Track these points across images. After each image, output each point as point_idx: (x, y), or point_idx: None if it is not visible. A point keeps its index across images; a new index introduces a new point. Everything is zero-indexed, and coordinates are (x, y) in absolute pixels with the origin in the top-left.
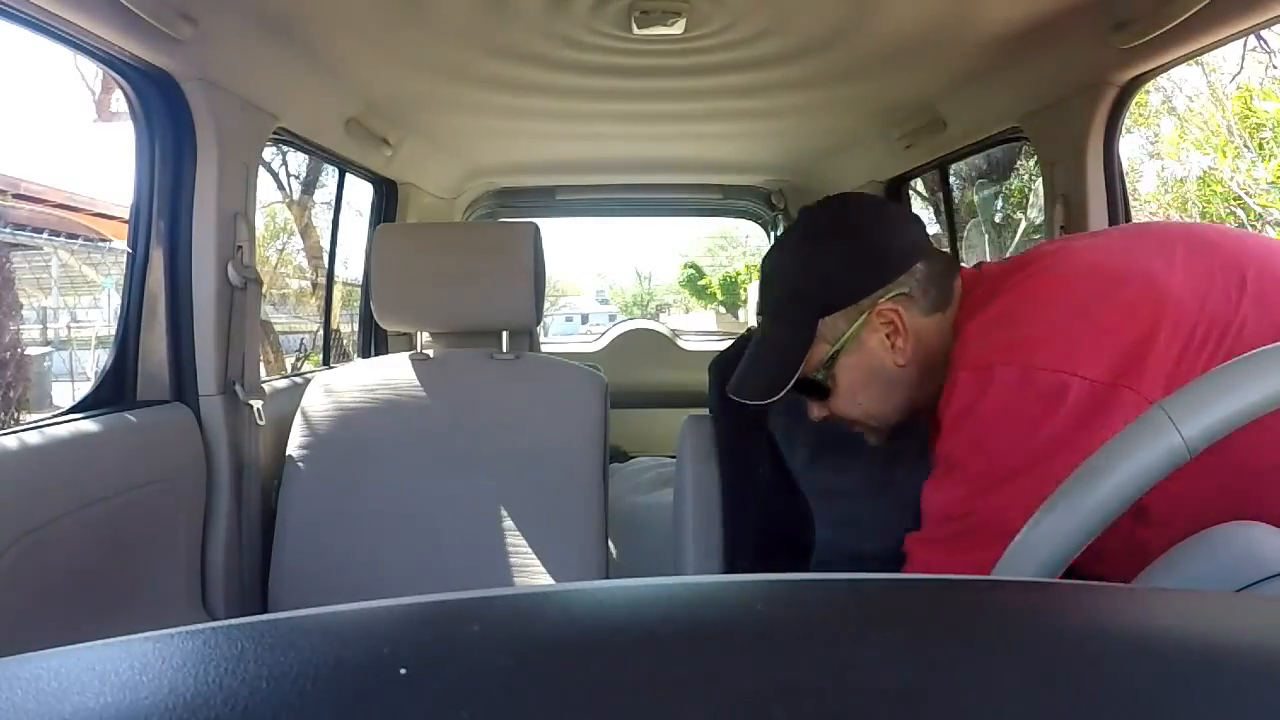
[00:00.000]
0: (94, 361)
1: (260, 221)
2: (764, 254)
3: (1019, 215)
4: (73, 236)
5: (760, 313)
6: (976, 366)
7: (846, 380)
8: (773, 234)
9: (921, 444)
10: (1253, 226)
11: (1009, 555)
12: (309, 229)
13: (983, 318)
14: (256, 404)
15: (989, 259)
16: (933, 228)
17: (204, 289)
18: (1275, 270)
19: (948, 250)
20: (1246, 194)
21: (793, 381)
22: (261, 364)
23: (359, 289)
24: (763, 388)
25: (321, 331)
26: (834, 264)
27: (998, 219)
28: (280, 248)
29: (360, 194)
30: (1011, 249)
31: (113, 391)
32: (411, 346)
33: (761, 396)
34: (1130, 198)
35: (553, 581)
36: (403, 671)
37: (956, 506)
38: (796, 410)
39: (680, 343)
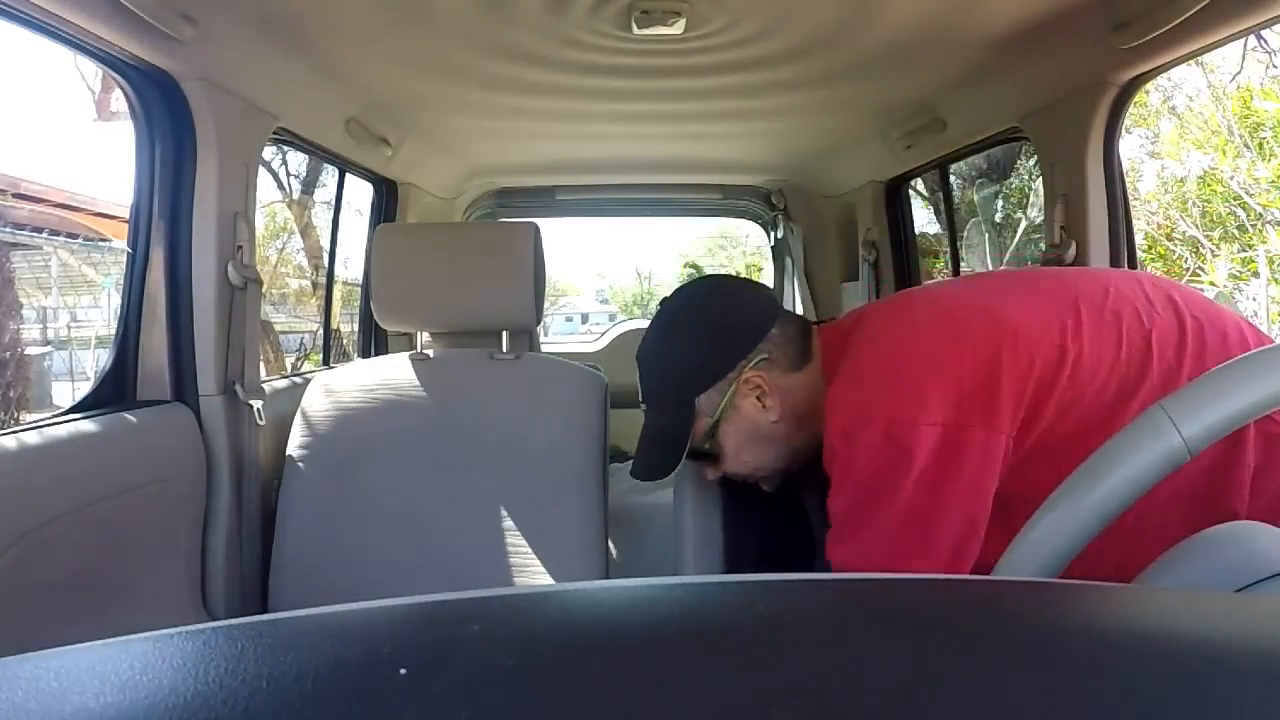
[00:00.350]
0: (94, 361)
1: (260, 221)
2: (639, 348)
3: (1019, 215)
4: (73, 236)
5: (643, 400)
6: (844, 432)
7: (730, 444)
8: (773, 234)
9: None
10: (1253, 226)
11: (1009, 555)
12: (309, 229)
13: (841, 379)
14: (256, 404)
15: (989, 259)
16: (933, 228)
17: (204, 289)
18: (1101, 301)
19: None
20: (1246, 193)
21: (683, 457)
22: (261, 364)
23: (359, 289)
24: (659, 468)
25: (321, 331)
26: (698, 347)
27: (998, 219)
28: (280, 248)
29: (360, 194)
30: (1011, 249)
31: (113, 391)
32: (411, 346)
33: (660, 475)
34: (1130, 198)
35: (553, 581)
36: (403, 671)
37: (856, 561)
38: None
39: None
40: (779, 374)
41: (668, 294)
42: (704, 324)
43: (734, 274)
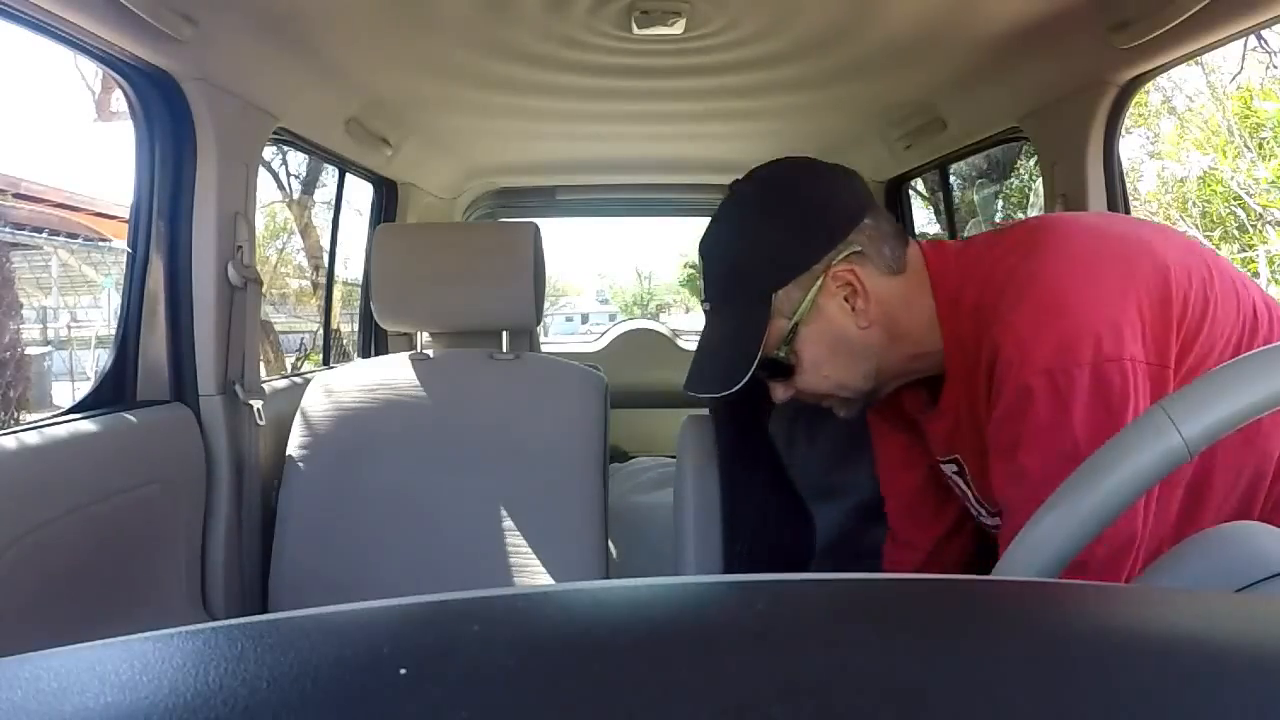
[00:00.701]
0: (94, 361)
1: (260, 221)
2: (704, 237)
3: (1019, 215)
4: (73, 236)
5: (706, 299)
6: (1049, 370)
7: (810, 353)
8: None
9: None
10: (1253, 226)
11: (1009, 555)
12: (309, 229)
13: (1018, 307)
14: (256, 404)
15: None
16: (933, 228)
17: (204, 289)
18: (1224, 266)
19: None
20: (1246, 194)
21: (754, 365)
22: (261, 364)
23: (359, 289)
24: (722, 378)
25: (321, 331)
26: (779, 233)
27: (998, 219)
28: (280, 248)
29: (360, 194)
30: None
31: (113, 391)
32: (411, 346)
33: (722, 388)
34: (1130, 198)
35: (553, 581)
36: (403, 671)
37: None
38: (797, 413)
39: (680, 343)
40: (873, 272)
41: (740, 178)
42: (786, 204)
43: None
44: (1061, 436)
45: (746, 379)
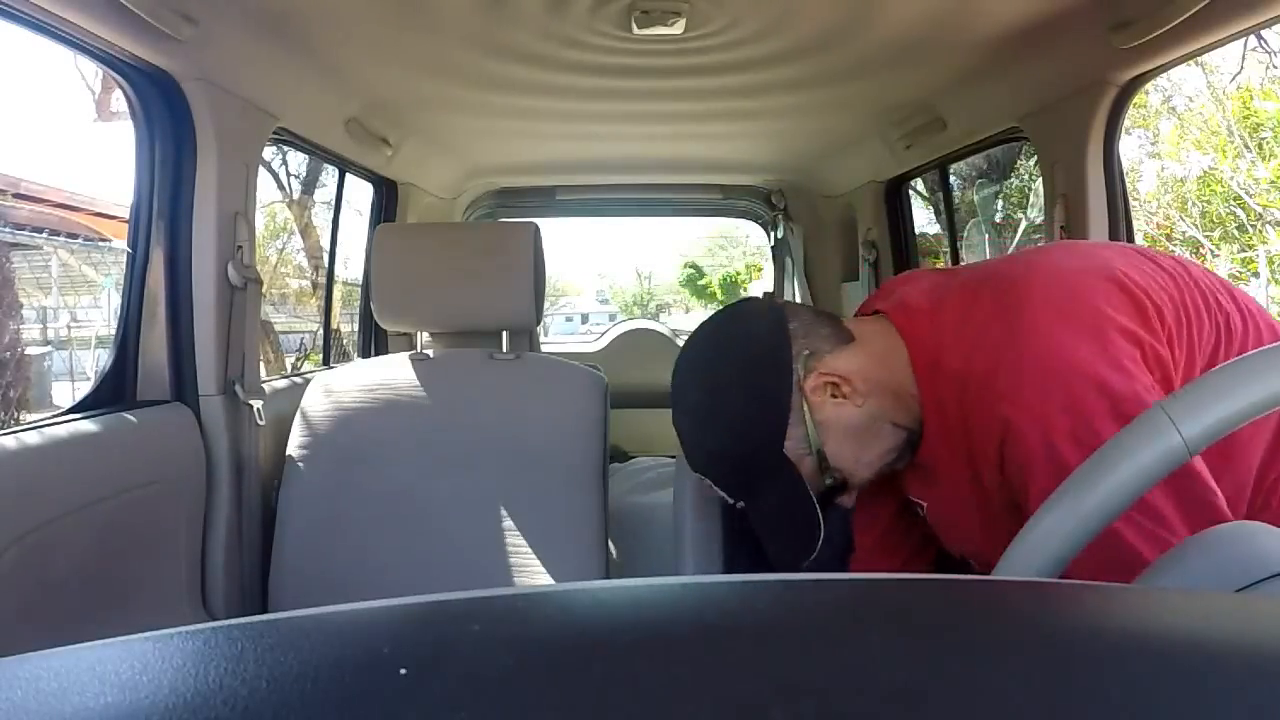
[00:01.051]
0: (94, 361)
1: (260, 221)
2: (687, 454)
3: (1019, 215)
4: (73, 236)
5: (734, 498)
6: (1074, 434)
7: (845, 460)
8: (773, 234)
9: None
10: (1252, 226)
11: (1009, 555)
12: (309, 229)
13: (1026, 382)
14: (256, 404)
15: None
16: (933, 228)
17: (204, 289)
18: (1199, 277)
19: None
20: (1246, 194)
21: (820, 512)
22: (261, 364)
23: (359, 289)
24: (803, 549)
25: (321, 331)
26: (743, 405)
27: (998, 219)
28: (280, 248)
29: (360, 194)
30: (1011, 249)
31: (113, 391)
32: (411, 346)
33: (810, 552)
34: (1130, 198)
35: (553, 581)
36: (403, 671)
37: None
38: None
39: (680, 343)
40: (832, 359)
41: (671, 379)
42: (729, 375)
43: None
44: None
45: (822, 531)
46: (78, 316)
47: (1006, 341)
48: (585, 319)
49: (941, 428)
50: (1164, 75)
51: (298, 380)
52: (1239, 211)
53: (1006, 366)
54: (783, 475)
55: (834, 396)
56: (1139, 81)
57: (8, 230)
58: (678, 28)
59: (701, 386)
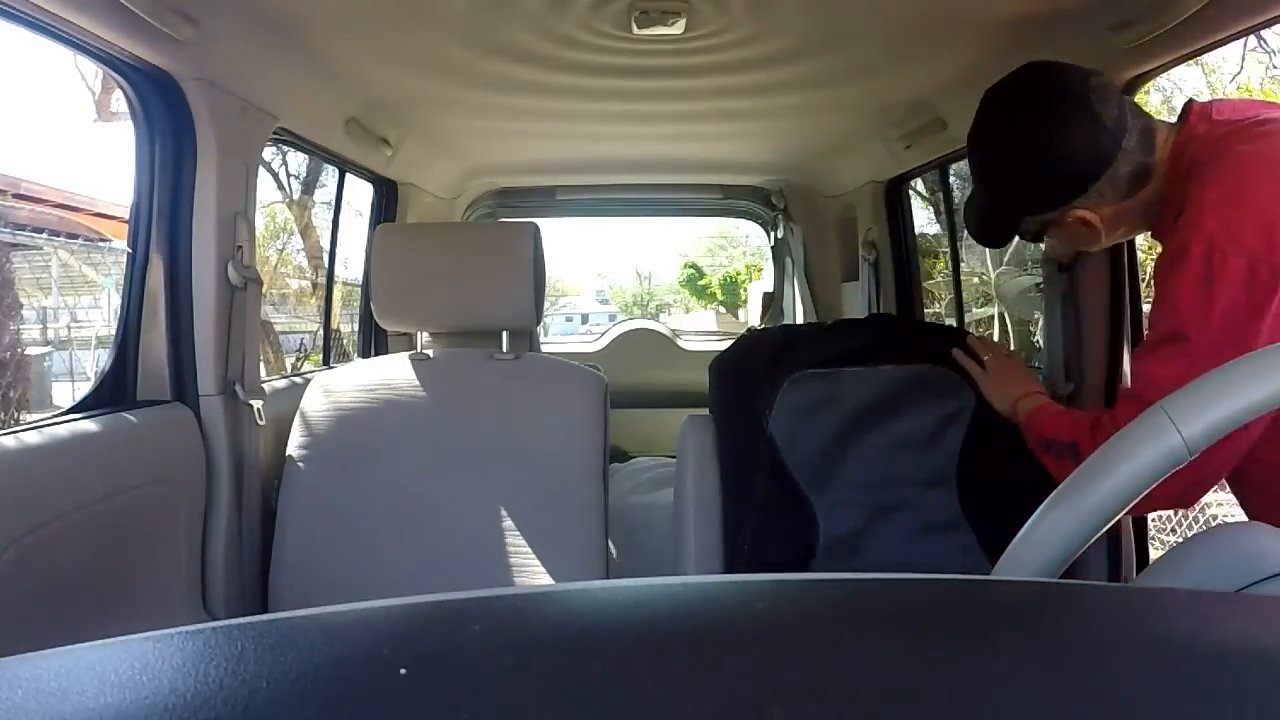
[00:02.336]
0: (94, 361)
1: (260, 221)
2: (972, 127)
3: None
4: (73, 236)
5: (973, 173)
6: (1209, 240)
7: (1053, 245)
8: (773, 234)
9: (924, 438)
10: None
11: (1009, 555)
12: (309, 229)
13: (1215, 182)
14: (256, 404)
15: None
16: (933, 228)
17: (204, 289)
18: None
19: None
20: None
21: (1011, 239)
22: (261, 364)
23: (359, 289)
24: (985, 238)
25: (321, 331)
26: (1029, 176)
27: None
28: (280, 248)
29: (360, 194)
30: (1011, 249)
31: (113, 391)
32: (411, 346)
33: (988, 245)
34: None
35: (553, 581)
36: (403, 671)
37: (1180, 369)
38: (798, 413)
39: (680, 343)
40: (1108, 206)
41: (1013, 79)
42: (1029, 162)
43: (1078, 80)
44: (1197, 305)
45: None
46: (78, 316)
47: (1230, 153)
48: (585, 319)
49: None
50: (1164, 75)
51: (298, 380)
52: None
53: (1217, 168)
54: (1007, 216)
55: (1084, 226)
56: (1139, 81)
57: (8, 230)
58: (678, 28)
59: (1035, 123)
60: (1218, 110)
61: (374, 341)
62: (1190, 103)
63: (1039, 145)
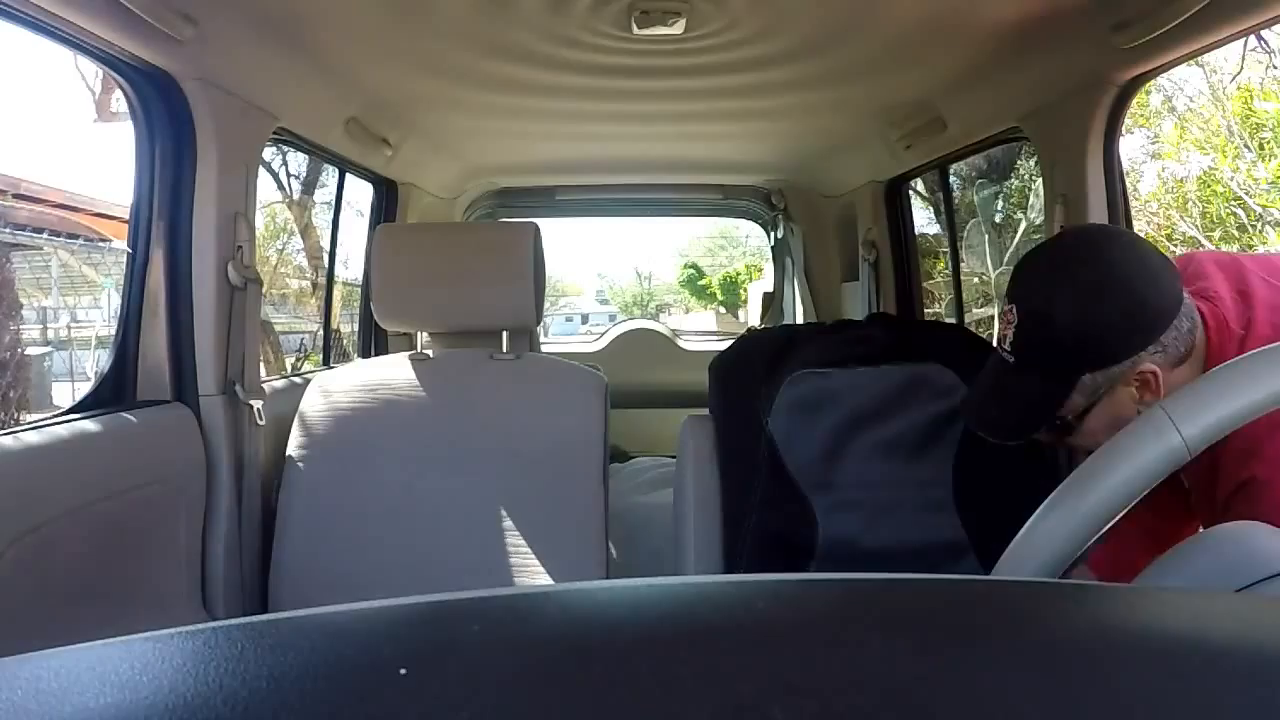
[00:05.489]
0: (94, 361)
1: (260, 221)
2: (1029, 285)
3: (1019, 215)
4: (73, 236)
5: (1012, 349)
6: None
7: (1092, 428)
8: (773, 234)
9: (922, 437)
10: (1252, 226)
11: (1009, 555)
12: (309, 229)
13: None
14: (256, 404)
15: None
16: (933, 228)
17: (204, 289)
18: None
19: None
20: (1247, 194)
21: (1039, 428)
22: (261, 364)
23: (359, 289)
24: (1009, 428)
25: (321, 331)
26: (1110, 323)
27: (998, 219)
28: (280, 248)
29: (360, 194)
30: (1011, 249)
31: (113, 391)
32: (411, 346)
33: (1009, 438)
34: (1130, 198)
35: (553, 581)
36: (403, 671)
37: None
38: (798, 414)
39: (680, 343)
40: (1167, 368)
41: (1072, 228)
42: (1122, 294)
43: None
44: None
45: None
46: (78, 316)
47: None
48: (585, 319)
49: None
50: (1164, 75)
51: (297, 380)
52: (1239, 211)
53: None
54: (1057, 386)
55: (1138, 391)
56: (1139, 81)
57: (8, 230)
58: (678, 28)
59: (1105, 269)
60: (1229, 317)
61: (374, 341)
62: (1201, 314)
63: (1125, 279)
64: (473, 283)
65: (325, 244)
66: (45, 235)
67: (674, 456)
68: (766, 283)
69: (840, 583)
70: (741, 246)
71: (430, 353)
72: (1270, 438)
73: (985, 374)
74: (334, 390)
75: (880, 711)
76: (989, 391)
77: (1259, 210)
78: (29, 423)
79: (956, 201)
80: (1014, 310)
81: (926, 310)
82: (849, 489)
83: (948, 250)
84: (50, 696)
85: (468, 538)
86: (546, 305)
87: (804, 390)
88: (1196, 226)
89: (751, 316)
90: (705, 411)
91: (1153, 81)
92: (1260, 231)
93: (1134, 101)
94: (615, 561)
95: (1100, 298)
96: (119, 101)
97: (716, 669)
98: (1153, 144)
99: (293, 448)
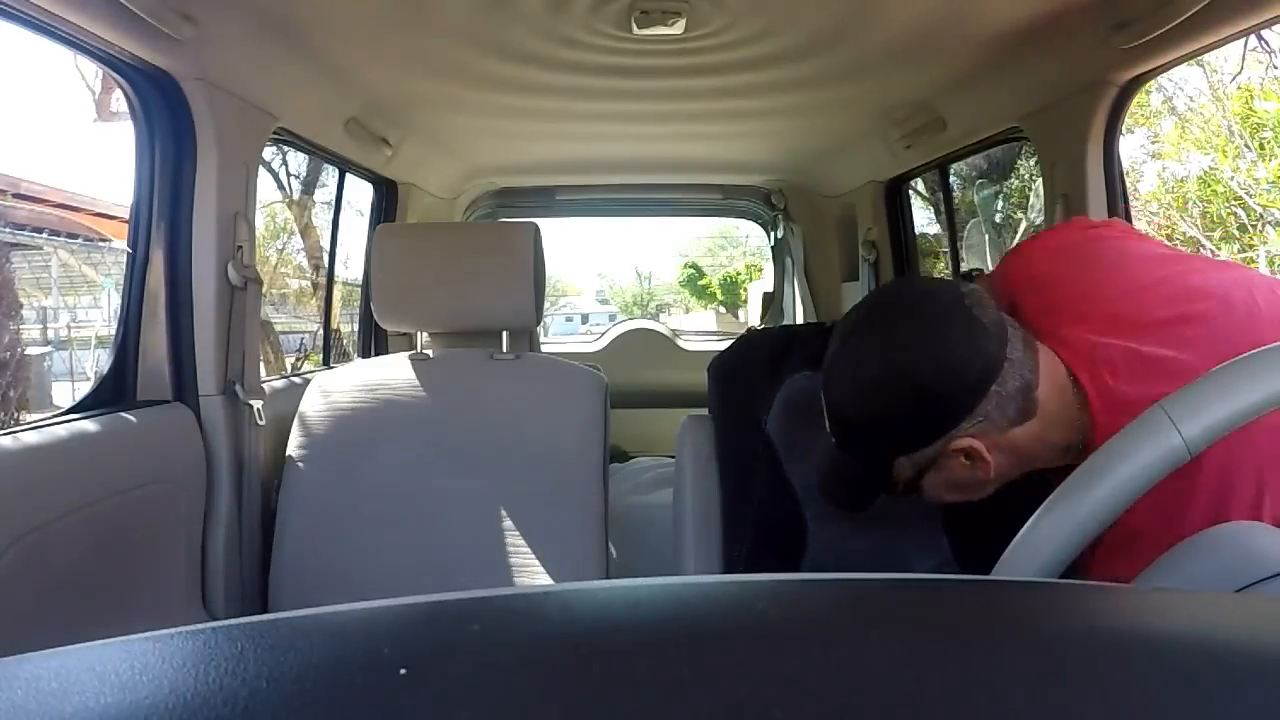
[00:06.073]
0: (94, 361)
1: (260, 221)
2: (828, 373)
3: (1019, 215)
4: (73, 236)
5: (830, 431)
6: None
7: (933, 493)
8: (773, 234)
9: None
10: (1252, 227)
11: (1009, 555)
12: (309, 229)
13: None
14: (256, 404)
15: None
16: (933, 228)
17: (204, 289)
18: None
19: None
20: (1247, 194)
21: (877, 497)
22: (261, 364)
23: (359, 289)
24: (849, 502)
25: (321, 331)
26: (894, 416)
27: (998, 219)
28: (280, 248)
29: (360, 194)
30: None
31: (113, 391)
32: (411, 346)
33: (853, 509)
34: (1130, 198)
35: (553, 581)
36: (403, 671)
37: None
38: (796, 415)
39: (680, 343)
40: (995, 434)
41: (868, 297)
42: (903, 385)
43: (948, 288)
44: None
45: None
46: (78, 316)
47: None
48: (585, 319)
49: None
50: (1164, 75)
51: (297, 380)
52: (1239, 212)
53: None
54: (872, 465)
55: (966, 460)
56: (1139, 81)
57: (8, 230)
58: (678, 28)
59: (891, 356)
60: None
61: (374, 341)
62: (1079, 380)
63: (915, 360)
64: (473, 283)
65: (325, 244)
66: (45, 235)
67: (674, 456)
68: (766, 283)
69: (840, 583)
70: (741, 246)
71: (430, 353)
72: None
73: (823, 454)
74: (334, 390)
75: (880, 711)
76: (828, 470)
77: (1259, 210)
78: (29, 423)
79: (956, 201)
80: (824, 394)
81: None
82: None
83: (948, 250)
84: (50, 696)
85: (468, 537)
86: (546, 305)
87: (802, 393)
88: (1197, 226)
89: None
90: (705, 411)
91: (1153, 81)
92: (1260, 231)
93: (1134, 101)
94: (615, 561)
95: (884, 392)
96: (119, 101)
97: (716, 669)
98: (1153, 144)
99: (293, 448)
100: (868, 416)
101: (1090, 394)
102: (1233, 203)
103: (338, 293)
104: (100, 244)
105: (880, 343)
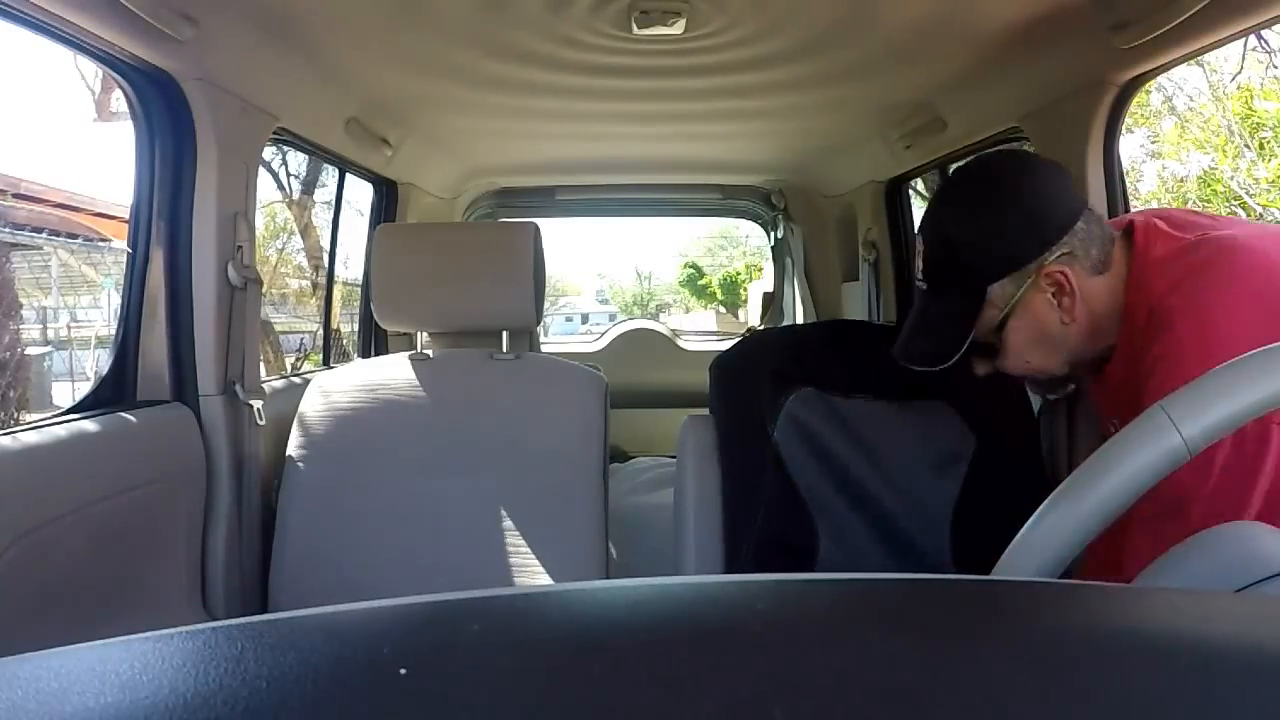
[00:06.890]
0: (94, 361)
1: (260, 221)
2: (929, 215)
3: None
4: (73, 236)
5: (922, 278)
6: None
7: (1015, 341)
8: (773, 234)
9: (923, 476)
10: None
11: (1009, 555)
12: (309, 229)
13: (1175, 339)
14: (256, 404)
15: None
16: None
17: (204, 289)
18: None
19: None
20: (1247, 194)
21: (964, 348)
22: (261, 364)
23: (359, 289)
24: (934, 354)
25: (321, 331)
26: (1000, 230)
27: None
28: (280, 248)
29: (360, 194)
30: None
31: (113, 391)
32: (411, 346)
33: (934, 363)
34: (1130, 198)
35: (553, 581)
36: (403, 671)
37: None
38: (803, 430)
39: (680, 343)
40: (1082, 274)
41: (962, 164)
42: (1009, 202)
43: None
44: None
45: (955, 358)
46: (78, 316)
47: (1189, 302)
48: (585, 319)
49: (1130, 348)
50: (1164, 75)
51: (297, 380)
52: (1239, 211)
53: (1178, 318)
54: (968, 301)
55: (1054, 297)
56: (1139, 81)
57: (8, 230)
58: (678, 28)
59: (993, 185)
60: (1162, 237)
61: (374, 341)
62: (1132, 224)
63: (1013, 187)
64: (473, 283)
65: (325, 244)
66: (45, 235)
67: (674, 456)
68: (766, 283)
69: (840, 583)
70: (741, 246)
71: (430, 353)
72: (1183, 319)
73: (910, 311)
74: (334, 390)
75: (880, 711)
76: (912, 324)
77: (1259, 210)
78: (29, 423)
79: None
80: (920, 241)
81: None
82: (846, 512)
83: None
84: (50, 696)
85: (468, 538)
86: (546, 305)
87: (807, 409)
88: None
89: (751, 316)
90: (705, 411)
91: (1153, 81)
92: None
93: (1134, 101)
94: (615, 561)
95: (990, 210)
96: (119, 101)
97: (716, 669)
98: (1153, 143)
99: (293, 448)
100: (974, 232)
101: (1138, 237)
102: (1233, 202)
103: (338, 293)
104: (100, 244)
105: (985, 177)
